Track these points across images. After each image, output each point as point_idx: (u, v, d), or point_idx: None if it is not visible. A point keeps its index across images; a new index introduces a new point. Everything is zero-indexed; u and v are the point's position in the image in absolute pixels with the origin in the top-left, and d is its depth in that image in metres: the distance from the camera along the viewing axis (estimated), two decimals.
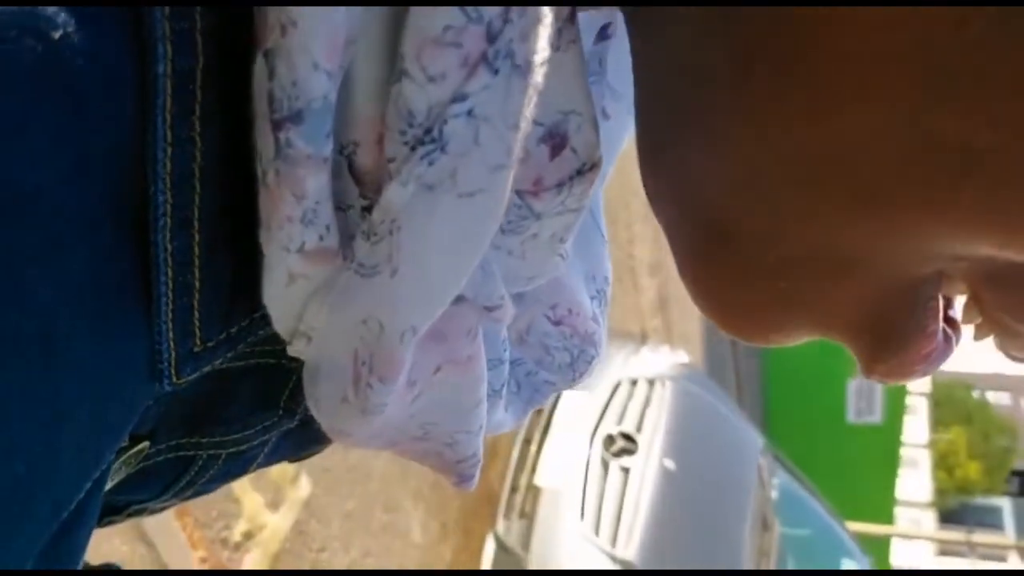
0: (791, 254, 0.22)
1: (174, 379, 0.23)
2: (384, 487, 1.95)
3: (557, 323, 0.29)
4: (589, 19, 0.26)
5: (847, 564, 3.15)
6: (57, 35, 0.18)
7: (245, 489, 1.58)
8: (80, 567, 0.25)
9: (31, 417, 0.21)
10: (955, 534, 12.56)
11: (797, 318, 0.24)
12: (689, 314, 4.84)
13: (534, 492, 2.03)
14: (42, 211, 0.19)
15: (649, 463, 2.05)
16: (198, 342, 0.23)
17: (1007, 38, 0.17)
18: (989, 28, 0.18)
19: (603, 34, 0.27)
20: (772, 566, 2.39)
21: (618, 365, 2.36)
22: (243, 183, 0.22)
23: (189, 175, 0.21)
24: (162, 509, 0.31)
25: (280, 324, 0.24)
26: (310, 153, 0.20)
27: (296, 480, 1.71)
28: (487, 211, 0.21)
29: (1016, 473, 14.52)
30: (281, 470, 1.64)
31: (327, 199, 0.21)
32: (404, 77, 0.19)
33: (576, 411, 2.11)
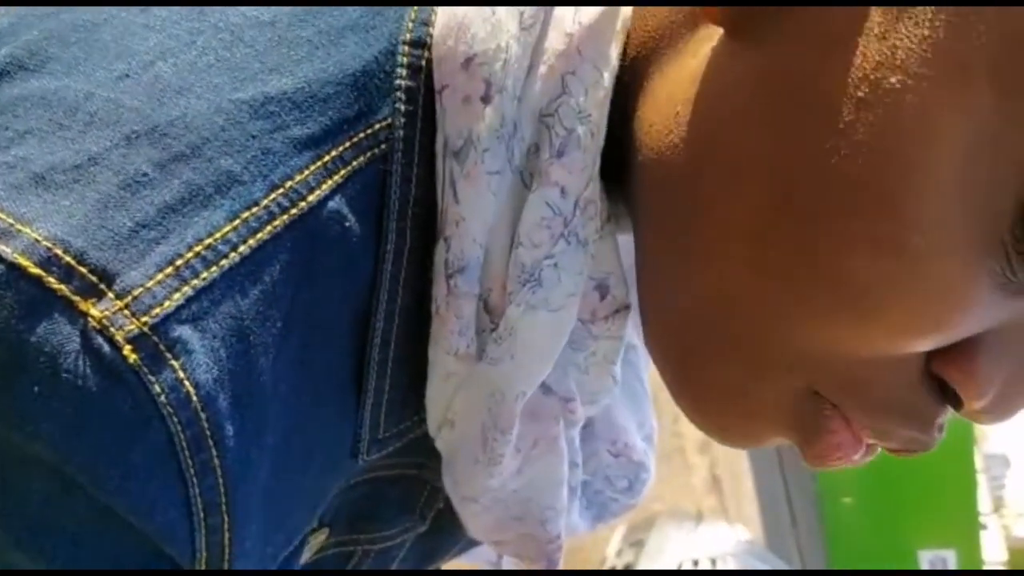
0: (727, 371, 0.33)
1: (366, 456, 0.35)
2: None
3: (617, 455, 0.42)
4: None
5: None
6: (347, 224, 0.32)
7: None
8: None
9: (305, 455, 0.33)
10: None
11: (750, 419, 0.34)
12: (744, 490, 4.70)
13: None
14: (323, 315, 0.32)
15: None
16: (382, 431, 0.36)
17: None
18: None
19: None
20: None
21: (678, 546, 2.29)
22: (421, 325, 0.35)
23: (394, 312, 0.34)
24: None
25: (433, 415, 0.36)
26: (467, 291, 0.34)
27: None
28: (565, 321, 0.34)
29: None
30: None
31: (473, 322, 0.35)
32: (519, 246, 0.34)
33: None
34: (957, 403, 0.32)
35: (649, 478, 0.43)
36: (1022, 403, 0.32)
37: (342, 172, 0.32)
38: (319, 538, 0.37)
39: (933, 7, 0.27)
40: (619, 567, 2.11)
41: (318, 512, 0.36)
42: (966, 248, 0.28)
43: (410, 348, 0.35)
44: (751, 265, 0.31)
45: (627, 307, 0.36)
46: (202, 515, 0.29)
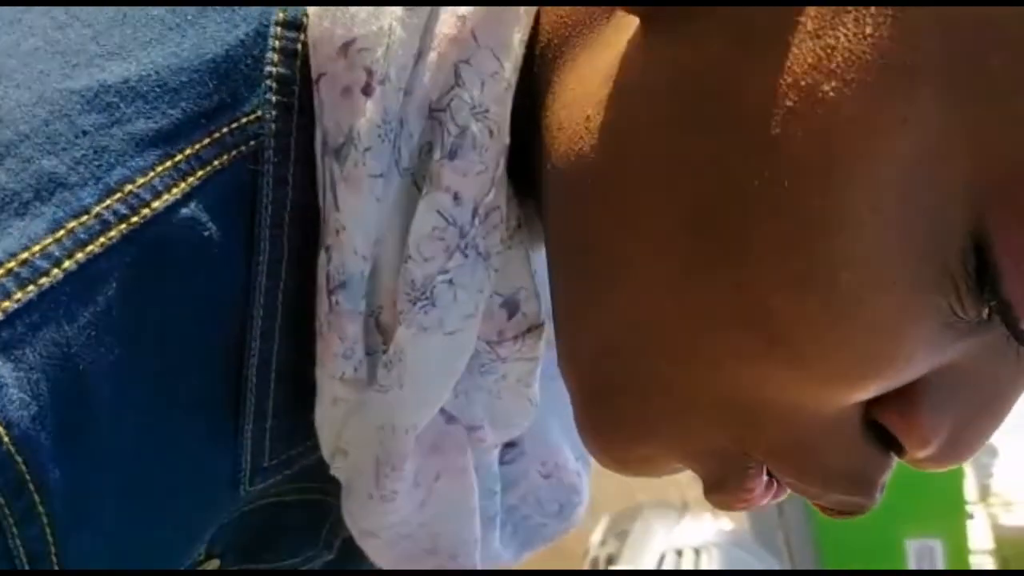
0: (641, 404, 0.30)
1: (248, 486, 0.32)
2: None
3: (547, 476, 0.38)
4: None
5: None
6: (205, 233, 0.28)
7: None
8: None
9: (167, 478, 0.29)
10: None
11: (661, 464, 0.31)
12: None
13: None
14: (181, 338, 0.28)
15: None
16: (267, 458, 0.32)
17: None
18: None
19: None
20: None
21: (662, 536, 2.27)
22: (307, 343, 0.31)
23: (272, 331, 0.31)
24: None
25: (325, 443, 0.32)
26: (350, 308, 0.31)
27: None
28: (462, 345, 0.31)
29: None
30: None
31: (360, 343, 0.31)
32: (409, 260, 0.30)
33: None
34: (900, 451, 0.29)
35: (581, 503, 0.39)
36: (971, 450, 0.29)
37: (199, 173, 0.28)
38: (209, 566, 0.34)
39: (878, 5, 0.22)
40: (602, 557, 2.09)
41: (198, 546, 0.32)
42: (906, 284, 0.24)
43: (296, 368, 0.32)
44: (670, 292, 0.27)
45: (540, 325, 0.32)
46: (26, 567, 0.25)
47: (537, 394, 0.34)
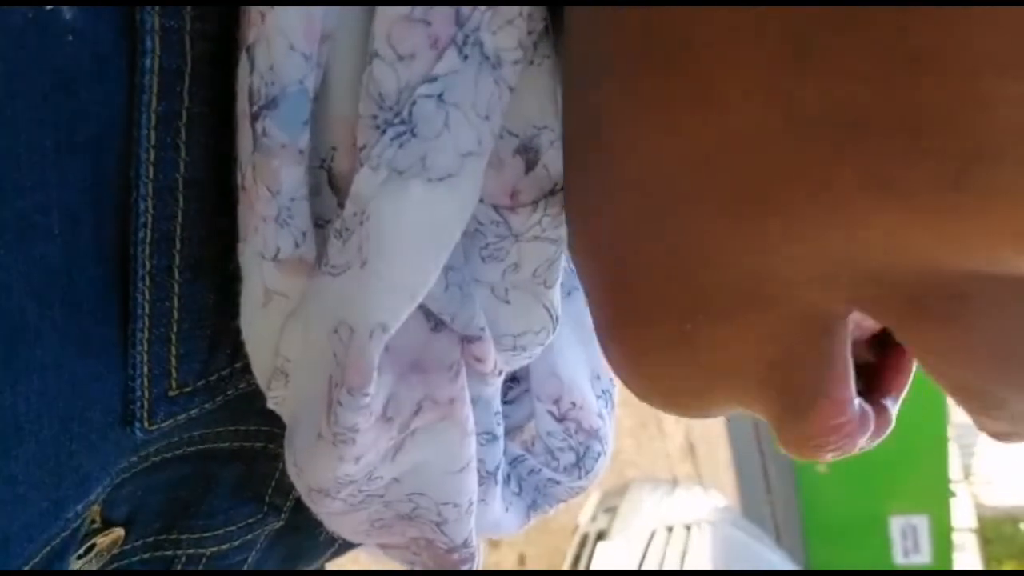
0: (696, 291, 0.20)
1: (146, 423, 0.22)
2: None
3: (561, 419, 0.28)
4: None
5: None
6: (48, 8, 0.17)
7: None
8: None
9: None
10: None
11: (707, 372, 0.21)
12: (719, 457, 4.74)
13: None
14: (19, 185, 0.18)
15: None
16: (174, 384, 0.22)
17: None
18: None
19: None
20: None
21: (652, 511, 2.30)
22: (231, 211, 0.21)
23: (172, 185, 0.20)
24: None
25: (258, 361, 0.23)
26: (285, 142, 0.20)
27: None
28: (458, 199, 0.20)
29: None
30: None
31: (303, 199, 0.20)
32: (375, 58, 0.19)
33: (612, 560, 2.04)
34: None
35: (604, 454, 0.29)
36: None
37: None
38: (107, 540, 0.25)
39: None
40: (592, 533, 2.11)
41: (74, 506, 0.22)
42: None
43: (215, 250, 0.22)
44: (785, 96, 0.16)
45: (564, 188, 0.22)
46: None
47: (558, 302, 0.24)
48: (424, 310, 0.22)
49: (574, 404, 0.28)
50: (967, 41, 0.15)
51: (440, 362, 0.23)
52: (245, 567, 0.29)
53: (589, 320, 0.27)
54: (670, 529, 2.22)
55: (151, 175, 0.20)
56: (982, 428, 0.21)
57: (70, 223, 0.19)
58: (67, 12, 0.18)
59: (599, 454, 0.29)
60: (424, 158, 0.20)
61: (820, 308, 0.19)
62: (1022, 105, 0.15)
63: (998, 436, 0.20)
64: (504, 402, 0.27)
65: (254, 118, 0.19)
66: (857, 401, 0.20)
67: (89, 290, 0.20)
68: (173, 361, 0.22)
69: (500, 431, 0.26)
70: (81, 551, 0.24)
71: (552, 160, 0.21)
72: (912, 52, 0.15)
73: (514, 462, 0.29)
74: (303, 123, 0.20)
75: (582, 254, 0.22)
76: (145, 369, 0.22)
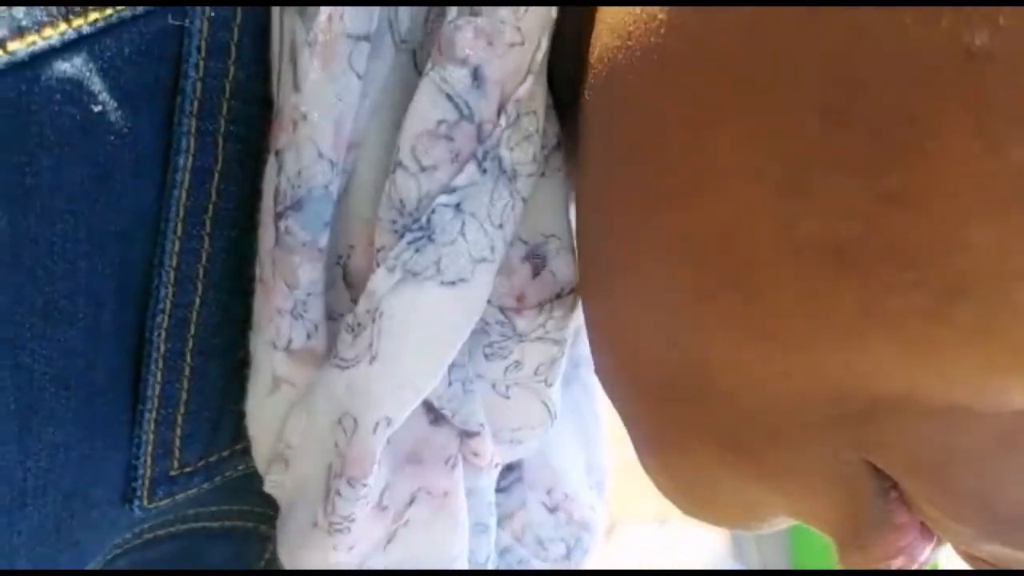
0: (719, 422, 0.20)
1: (145, 501, 0.23)
2: None
3: (553, 509, 0.28)
4: None
5: None
6: (96, 109, 0.19)
7: None
8: None
9: None
10: None
11: (752, 494, 0.21)
12: None
13: None
14: (51, 272, 0.19)
15: None
16: (176, 464, 0.23)
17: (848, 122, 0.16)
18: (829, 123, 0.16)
19: None
20: None
21: (640, 551, 2.27)
22: (241, 294, 0.22)
23: (193, 274, 0.22)
24: None
25: (259, 445, 0.23)
26: (306, 240, 0.21)
27: None
28: (468, 302, 0.21)
29: None
30: None
31: (318, 295, 0.22)
32: (398, 168, 0.20)
33: None
34: None
35: (594, 541, 0.29)
36: None
37: (93, 16, 0.18)
38: None
39: None
40: None
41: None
42: None
43: (226, 337, 0.23)
44: (782, 228, 0.17)
45: (572, 292, 0.23)
46: None
47: (558, 400, 0.25)
48: (425, 403, 0.23)
49: (566, 495, 0.29)
50: (941, 184, 0.15)
51: (437, 455, 0.24)
52: None
53: (586, 410, 0.30)
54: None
55: (174, 264, 0.21)
56: (971, 565, 0.21)
57: (94, 308, 0.20)
58: (112, 112, 0.19)
59: (589, 544, 0.30)
60: (439, 262, 0.21)
61: (847, 458, 0.19)
62: (994, 247, 0.15)
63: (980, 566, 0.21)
64: (496, 490, 0.27)
65: (278, 216, 0.21)
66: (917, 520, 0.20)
67: (105, 372, 0.21)
68: (177, 442, 0.23)
69: (492, 522, 0.27)
70: None
71: (559, 267, 0.23)
72: (889, 192, 0.16)
73: (503, 552, 0.29)
74: (325, 224, 0.21)
75: (611, 374, 0.22)
76: (149, 448, 0.23)
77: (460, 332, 0.21)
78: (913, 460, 0.19)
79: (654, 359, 0.20)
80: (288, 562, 0.24)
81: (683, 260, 0.19)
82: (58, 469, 0.21)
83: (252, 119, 0.21)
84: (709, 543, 2.92)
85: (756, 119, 0.17)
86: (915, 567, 0.21)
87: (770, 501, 0.21)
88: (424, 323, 0.21)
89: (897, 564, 0.21)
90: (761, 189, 0.17)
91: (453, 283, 0.21)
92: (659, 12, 0.18)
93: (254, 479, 0.25)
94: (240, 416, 0.24)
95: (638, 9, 0.18)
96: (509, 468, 0.28)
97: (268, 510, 0.27)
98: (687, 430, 0.21)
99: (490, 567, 0.27)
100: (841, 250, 0.17)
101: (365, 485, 0.22)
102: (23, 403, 0.19)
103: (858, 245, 0.16)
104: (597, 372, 0.23)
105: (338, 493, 0.22)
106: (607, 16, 0.20)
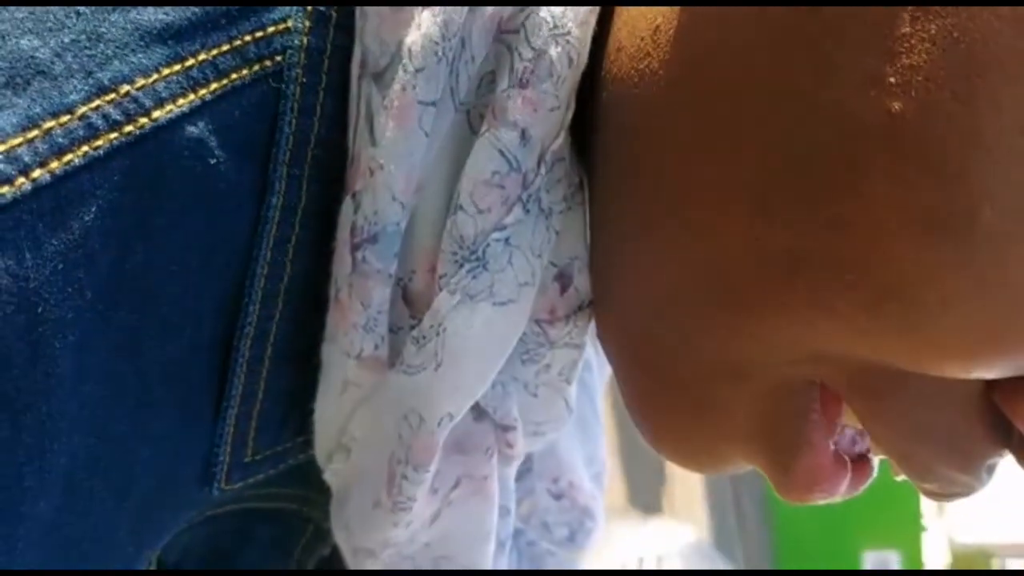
0: (695, 367, 0.25)
1: (223, 484, 0.27)
2: None
3: (558, 496, 0.32)
4: None
5: None
6: (212, 162, 0.23)
7: None
8: None
9: (113, 465, 0.24)
10: None
11: (713, 431, 0.26)
12: (692, 491, 4.71)
13: None
14: (169, 296, 0.23)
15: None
16: (250, 452, 0.27)
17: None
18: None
19: None
20: None
21: (624, 543, 2.28)
22: (316, 314, 0.26)
23: (276, 294, 0.26)
24: None
25: (323, 439, 0.27)
26: (379, 268, 0.25)
27: None
28: (514, 318, 0.26)
29: None
30: None
31: (385, 313, 0.26)
32: (459, 211, 0.25)
33: None
34: (1022, 451, 0.24)
35: (596, 527, 0.34)
36: None
37: (213, 86, 0.23)
38: None
39: None
40: None
41: (148, 553, 0.27)
42: None
43: (297, 345, 0.27)
44: (747, 225, 0.22)
45: (590, 304, 0.27)
46: None
47: (574, 397, 0.29)
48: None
49: (571, 483, 0.33)
50: (871, 214, 0.21)
51: (478, 446, 0.28)
52: None
53: (587, 409, 0.34)
54: (641, 560, 2.20)
55: (262, 285, 0.25)
56: (921, 491, 0.26)
57: (196, 324, 0.25)
58: (223, 163, 0.24)
59: (591, 529, 0.33)
60: (492, 286, 0.25)
61: (792, 377, 0.24)
62: (915, 260, 0.20)
63: (933, 496, 0.26)
64: None
65: (355, 247, 0.25)
66: (833, 449, 0.25)
67: (199, 375, 0.25)
68: (252, 433, 0.27)
69: (512, 505, 0.30)
70: None
71: (581, 283, 0.27)
72: (832, 218, 0.21)
73: (515, 535, 0.32)
74: (394, 254, 0.25)
75: (611, 336, 0.27)
76: (229, 439, 0.26)
77: (508, 343, 0.26)
78: (859, 384, 0.24)
79: (643, 327, 0.26)
80: (344, 540, 0.28)
81: (672, 260, 0.24)
82: (158, 457, 0.25)
83: (331, 166, 0.26)
84: (693, 534, 2.95)
85: (735, 155, 0.22)
86: (828, 498, 0.26)
87: (723, 445, 0.26)
88: (479, 336, 0.25)
89: (818, 491, 0.25)
90: (737, 208, 0.22)
91: (503, 303, 0.25)
92: (662, 56, 0.23)
93: (310, 467, 0.28)
94: (305, 413, 0.27)
95: (645, 48, 0.24)
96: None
97: (311, 494, 0.30)
98: (667, 381, 0.26)
99: (508, 546, 0.30)
100: (796, 259, 0.22)
101: (428, 471, 0.26)
102: (135, 399, 0.24)
103: (809, 255, 0.22)
104: (601, 340, 0.28)
105: (404, 477, 0.26)
106: (614, 67, 0.25)
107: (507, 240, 0.25)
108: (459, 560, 0.29)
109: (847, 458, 0.26)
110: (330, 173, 0.26)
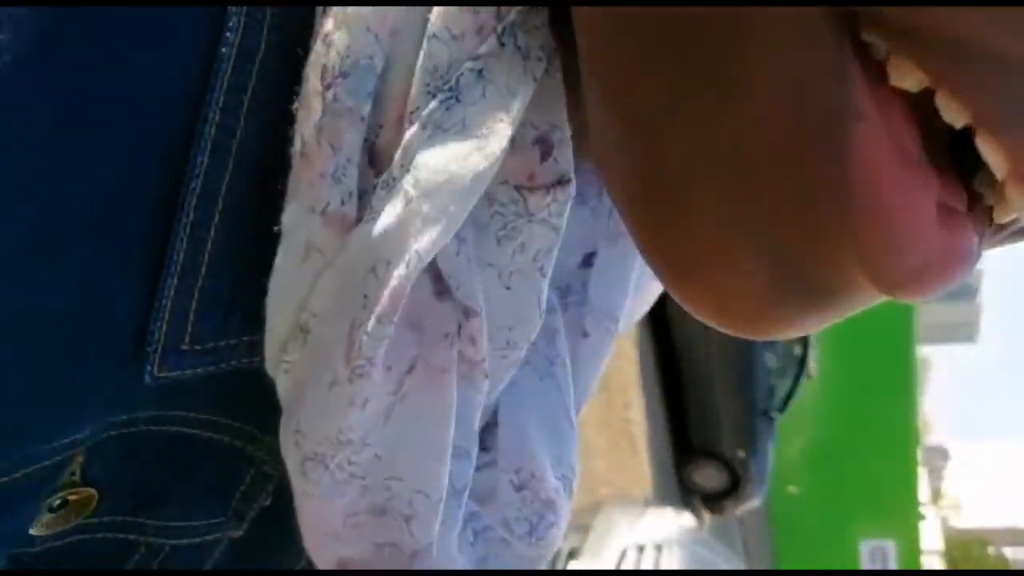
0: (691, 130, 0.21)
1: (155, 369, 0.24)
2: None
3: (520, 488, 0.31)
4: (576, 243, 0.30)
5: None
6: None
7: None
8: None
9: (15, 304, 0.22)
10: None
11: (728, 224, 0.21)
12: None
13: None
14: (99, 119, 0.22)
15: None
16: (188, 338, 0.25)
17: None
18: None
19: (588, 261, 0.31)
20: None
21: (624, 531, 2.30)
22: (271, 197, 0.24)
23: (227, 149, 0.24)
24: None
25: (277, 322, 0.25)
26: (351, 106, 0.24)
27: None
28: (487, 153, 0.24)
29: None
30: None
31: (355, 164, 0.24)
32: (432, 39, 0.24)
33: None
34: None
35: (555, 524, 0.31)
36: None
37: None
38: (79, 499, 0.27)
39: None
40: (564, 551, 2.11)
41: (63, 437, 0.25)
42: None
43: (249, 219, 0.25)
44: None
45: (570, 181, 0.26)
46: None
47: (547, 293, 0.27)
48: (433, 274, 0.25)
49: (533, 475, 0.31)
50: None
51: (437, 327, 0.26)
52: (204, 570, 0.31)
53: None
54: (641, 549, 2.22)
55: (212, 134, 0.23)
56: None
57: (134, 159, 0.23)
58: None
59: (551, 524, 0.31)
60: (464, 119, 0.24)
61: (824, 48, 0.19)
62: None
63: None
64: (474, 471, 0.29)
65: (326, 88, 0.23)
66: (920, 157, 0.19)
67: (134, 229, 0.23)
68: (191, 316, 0.24)
69: (474, 452, 0.28)
70: (55, 503, 0.26)
71: (561, 156, 0.26)
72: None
73: (471, 516, 0.30)
74: (368, 93, 0.24)
75: (611, 167, 0.24)
76: (167, 315, 0.24)
77: (482, 177, 0.24)
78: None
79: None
80: (294, 449, 0.26)
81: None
82: (80, 300, 0.23)
83: (292, 17, 0.25)
84: (691, 522, 2.97)
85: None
86: (944, 271, 0.19)
87: (742, 229, 0.21)
88: (452, 167, 0.24)
89: (908, 234, 0.19)
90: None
91: (476, 136, 0.24)
92: None
93: (257, 383, 0.26)
94: (251, 305, 0.25)
95: None
96: (484, 450, 0.30)
97: (262, 433, 0.29)
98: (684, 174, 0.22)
99: (464, 500, 0.29)
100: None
101: (391, 323, 0.24)
102: (49, 233, 0.22)
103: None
104: (607, 173, 0.25)
105: (366, 333, 0.24)
106: None
107: (480, 72, 0.24)
108: (410, 482, 0.27)
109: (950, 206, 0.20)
110: (293, 25, 0.24)
